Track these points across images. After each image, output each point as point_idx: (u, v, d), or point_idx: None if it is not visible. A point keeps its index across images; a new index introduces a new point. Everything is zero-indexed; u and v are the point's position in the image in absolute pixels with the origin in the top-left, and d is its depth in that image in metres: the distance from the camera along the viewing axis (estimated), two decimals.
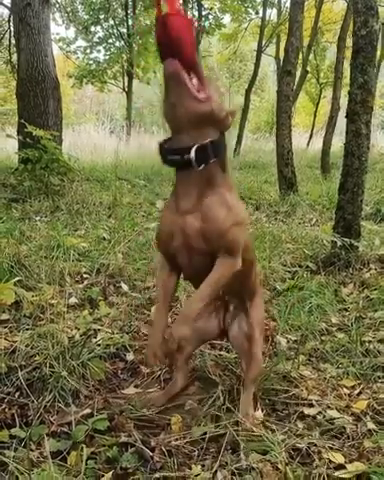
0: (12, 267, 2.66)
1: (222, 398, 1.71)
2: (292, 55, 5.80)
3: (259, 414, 1.66)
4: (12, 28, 8.79)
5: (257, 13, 15.87)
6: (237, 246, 1.49)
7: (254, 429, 1.55)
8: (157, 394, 1.82)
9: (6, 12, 11.09)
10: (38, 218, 4.53)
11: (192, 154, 1.39)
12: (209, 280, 1.47)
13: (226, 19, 35.37)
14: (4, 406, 1.65)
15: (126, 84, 17.02)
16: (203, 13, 15.85)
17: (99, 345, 2.07)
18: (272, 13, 17.19)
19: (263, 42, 13.78)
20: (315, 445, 1.50)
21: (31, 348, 1.98)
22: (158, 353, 1.51)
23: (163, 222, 1.56)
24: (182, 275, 1.64)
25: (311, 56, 15.60)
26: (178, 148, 1.43)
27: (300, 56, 11.41)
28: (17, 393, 1.73)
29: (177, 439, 1.53)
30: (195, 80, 1.37)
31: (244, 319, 1.76)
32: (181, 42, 1.31)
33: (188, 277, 1.68)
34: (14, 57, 9.28)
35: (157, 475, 1.36)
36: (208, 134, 1.43)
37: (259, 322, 1.76)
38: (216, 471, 1.36)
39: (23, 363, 1.88)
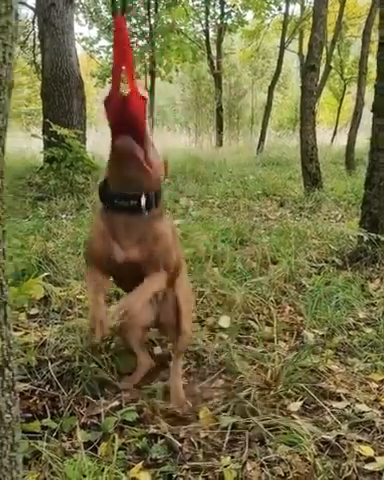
0: (40, 263, 2.70)
1: (249, 390, 1.71)
2: (316, 50, 5.74)
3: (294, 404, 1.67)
4: (36, 29, 8.90)
5: (280, 9, 15.73)
6: (171, 263, 1.65)
7: (182, 399, 1.71)
8: (128, 377, 1.88)
9: (31, 13, 11.20)
10: (64, 216, 4.58)
11: (143, 203, 1.52)
12: (147, 280, 1.58)
13: (249, 16, 35.20)
14: (35, 398, 1.68)
15: (148, 83, 17.07)
16: (225, 10, 15.79)
17: None
18: (295, 8, 17.09)
19: (286, 38, 13.66)
20: (344, 438, 1.50)
21: (60, 342, 2.01)
22: (104, 322, 1.52)
23: (96, 244, 1.62)
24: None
25: (335, 51, 15.42)
26: (132, 194, 1.52)
27: (324, 51, 11.33)
28: (47, 385, 1.76)
29: (205, 430, 1.53)
30: (142, 153, 1.46)
31: (171, 298, 1.83)
32: (138, 121, 1.41)
33: (119, 284, 1.86)
34: (38, 58, 9.37)
35: (186, 466, 1.37)
36: (152, 187, 1.56)
37: (186, 299, 1.86)
38: (245, 462, 1.37)
39: (53, 356, 1.91)
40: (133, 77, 1.38)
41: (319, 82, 11.38)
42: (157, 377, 1.89)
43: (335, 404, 1.71)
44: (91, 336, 1.57)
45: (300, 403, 1.70)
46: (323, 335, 2.22)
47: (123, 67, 1.37)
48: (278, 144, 13.32)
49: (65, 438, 1.48)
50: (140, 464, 1.37)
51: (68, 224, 4.06)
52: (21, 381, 1.76)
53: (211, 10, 16.59)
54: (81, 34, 24.07)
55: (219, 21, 16.41)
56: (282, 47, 13.27)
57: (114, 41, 1.45)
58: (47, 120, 6.18)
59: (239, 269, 2.94)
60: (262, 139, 12.77)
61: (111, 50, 16.76)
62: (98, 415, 1.59)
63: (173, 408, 1.68)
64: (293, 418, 1.60)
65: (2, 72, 0.90)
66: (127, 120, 1.39)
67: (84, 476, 1.25)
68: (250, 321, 2.34)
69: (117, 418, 1.55)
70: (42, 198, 5.43)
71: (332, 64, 14.96)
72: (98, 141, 10.80)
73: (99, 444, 1.45)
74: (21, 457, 1.04)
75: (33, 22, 9.71)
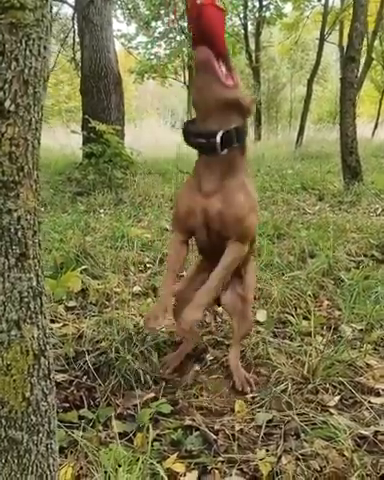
0: (78, 256, 2.74)
1: (285, 385, 1.70)
2: (356, 41, 5.63)
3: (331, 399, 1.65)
4: (76, 26, 9.00)
5: (319, 0, 15.52)
6: (250, 234, 1.63)
7: (245, 374, 1.78)
8: (171, 355, 1.93)
9: (70, 11, 11.33)
10: (102, 210, 4.63)
11: (218, 139, 1.45)
12: (219, 268, 1.57)
13: (287, 8, 34.78)
14: (72, 388, 1.70)
15: (187, 78, 17.08)
16: (264, 3, 15.64)
17: (163, 332, 2.10)
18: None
19: (326, 30, 13.45)
20: (382, 434, 1.47)
21: (97, 334, 2.04)
22: (160, 318, 1.55)
23: (183, 200, 1.62)
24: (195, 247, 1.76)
25: (376, 42, 15.11)
26: (205, 132, 1.48)
27: (365, 42, 11.10)
28: (84, 376, 1.78)
29: (240, 423, 1.53)
30: (224, 68, 1.44)
31: (238, 284, 1.85)
32: (213, 32, 1.38)
33: (201, 251, 1.80)
34: (78, 55, 9.48)
35: (221, 458, 1.37)
36: (232, 120, 1.50)
37: (252, 286, 1.90)
38: (280, 456, 1.36)
39: (90, 348, 1.94)
40: None
41: (360, 74, 11.17)
42: (192, 369, 1.89)
43: (373, 399, 1.67)
44: (146, 323, 1.59)
45: (337, 398, 1.67)
46: (361, 329, 2.18)
47: None
48: (317, 138, 13.14)
49: (101, 428, 1.49)
50: (175, 455, 1.38)
51: (106, 219, 4.11)
52: (59, 372, 1.80)
53: (249, 3, 16.49)
54: (119, 31, 24.25)
55: (258, 14, 16.28)
56: (321, 39, 13.07)
57: None
58: (86, 116, 6.26)
59: (276, 263, 2.91)
60: (301, 133, 12.62)
61: (149, 45, 16.84)
62: (134, 406, 1.61)
63: (238, 386, 1.74)
64: (330, 413, 1.58)
65: (37, 65, 0.91)
66: (203, 30, 1.37)
67: (119, 465, 1.26)
68: (287, 315, 2.32)
69: (152, 410, 1.56)
70: (81, 193, 5.51)
71: (373, 55, 14.64)
72: (137, 137, 10.91)
73: (134, 435, 1.46)
74: (57, 445, 1.05)
75: (73, 19, 9.81)
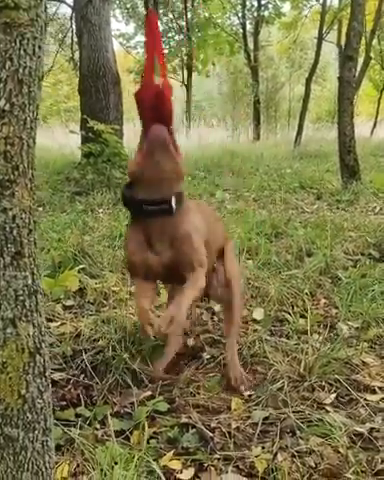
0: (76, 255, 2.75)
1: (282, 382, 1.71)
2: (354, 40, 5.64)
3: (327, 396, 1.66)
4: (74, 26, 9.01)
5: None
6: (204, 258, 1.66)
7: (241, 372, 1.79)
8: (160, 360, 1.91)
9: (68, 11, 11.35)
10: (101, 210, 4.64)
11: (173, 203, 1.54)
12: (186, 296, 1.60)
13: (286, 7, 34.77)
14: (70, 387, 1.71)
15: (185, 77, 17.08)
16: (262, 2, 15.65)
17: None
18: None
19: (324, 29, 13.45)
20: (377, 431, 1.48)
21: (95, 332, 2.04)
22: (152, 321, 1.59)
23: (133, 255, 1.65)
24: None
25: (375, 41, 15.12)
26: (159, 199, 1.55)
27: (363, 41, 11.09)
28: (82, 375, 1.79)
29: (237, 421, 1.54)
30: (172, 143, 1.51)
31: (221, 273, 1.92)
32: (169, 112, 1.47)
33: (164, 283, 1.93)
34: (77, 55, 9.49)
35: (217, 455, 1.38)
36: (178, 186, 1.60)
37: (236, 272, 1.95)
38: (276, 453, 1.36)
39: (87, 347, 1.95)
40: (165, 68, 1.46)
41: (358, 73, 11.18)
42: (188, 368, 1.90)
43: (369, 397, 1.68)
44: (143, 335, 1.71)
45: (333, 395, 1.68)
46: (358, 327, 2.19)
47: (155, 58, 1.44)
48: (316, 137, 13.14)
49: (98, 426, 1.50)
50: (171, 453, 1.38)
51: (104, 218, 4.12)
52: (56, 370, 1.80)
53: (248, 2, 16.51)
54: (118, 30, 24.23)
55: (256, 13, 16.29)
56: (320, 38, 13.07)
57: (146, 34, 1.51)
58: (84, 116, 6.26)
59: (274, 261, 2.92)
60: (299, 132, 12.62)
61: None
62: (131, 404, 1.61)
63: (233, 384, 1.76)
64: (326, 410, 1.59)
65: (32, 64, 0.92)
66: (161, 110, 1.44)
67: (115, 463, 1.27)
68: (284, 313, 2.33)
69: (149, 408, 1.57)
70: (80, 193, 5.51)
71: (372, 54, 14.65)
72: (136, 136, 10.91)
73: (131, 433, 1.47)
74: (53, 442, 1.06)
75: (71, 19, 9.83)
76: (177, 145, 1.55)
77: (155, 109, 1.45)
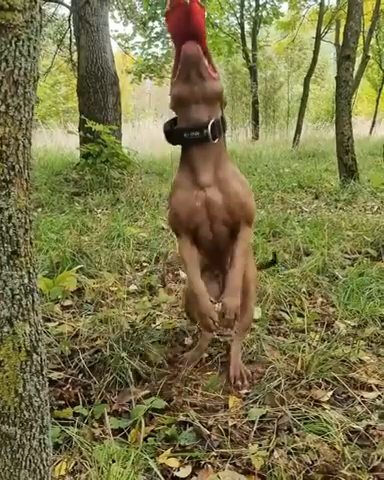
0: (74, 256, 2.76)
1: (279, 380, 1.72)
2: (351, 39, 5.64)
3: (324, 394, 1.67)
4: (72, 27, 9.01)
5: None
6: (254, 215, 1.70)
7: (243, 371, 1.80)
8: (192, 353, 1.96)
9: (67, 12, 11.35)
10: (99, 210, 4.65)
11: (209, 129, 1.53)
12: (239, 253, 1.65)
13: (284, 7, 34.80)
14: (68, 386, 1.72)
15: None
16: (260, 2, 15.64)
17: (158, 330, 2.12)
18: None
19: (322, 29, 13.46)
20: (374, 428, 1.49)
21: (93, 332, 2.05)
22: (214, 317, 1.62)
23: (180, 200, 1.64)
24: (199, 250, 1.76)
25: (373, 41, 15.12)
26: (197, 125, 1.54)
27: (361, 41, 11.10)
28: (80, 374, 1.80)
29: (234, 419, 1.55)
30: (206, 61, 1.49)
31: None
32: (201, 28, 1.43)
33: (207, 250, 1.80)
34: (75, 55, 9.49)
35: (214, 453, 1.38)
36: (217, 111, 1.58)
37: (253, 279, 1.93)
38: (273, 450, 1.37)
39: (85, 346, 1.96)
40: None
41: (356, 73, 11.19)
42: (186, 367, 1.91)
43: (366, 394, 1.69)
44: (205, 333, 1.74)
45: (330, 393, 1.69)
46: (355, 326, 2.20)
47: None
48: (315, 136, 13.16)
49: (96, 425, 1.51)
50: (169, 450, 1.39)
51: (103, 218, 4.13)
52: (55, 370, 1.81)
53: (246, 3, 16.49)
54: (116, 31, 24.23)
55: (254, 13, 16.28)
56: (318, 38, 13.08)
57: None
58: (83, 117, 6.27)
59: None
60: (298, 132, 12.63)
61: (146, 46, 16.83)
62: (128, 403, 1.62)
63: (233, 382, 1.77)
64: (323, 408, 1.60)
65: (27, 65, 0.92)
66: (192, 28, 1.42)
67: (113, 461, 1.28)
68: (282, 312, 2.34)
69: (147, 406, 1.57)
70: (78, 193, 5.52)
71: (370, 54, 14.66)
72: (134, 136, 10.92)
73: (129, 431, 1.48)
74: (50, 440, 1.07)
75: (69, 20, 9.82)
76: (213, 63, 1.52)
77: (186, 26, 1.42)
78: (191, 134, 1.56)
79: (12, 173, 0.92)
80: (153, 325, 2.17)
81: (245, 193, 1.63)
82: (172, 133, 1.61)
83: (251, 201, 1.67)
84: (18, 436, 0.99)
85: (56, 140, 10.64)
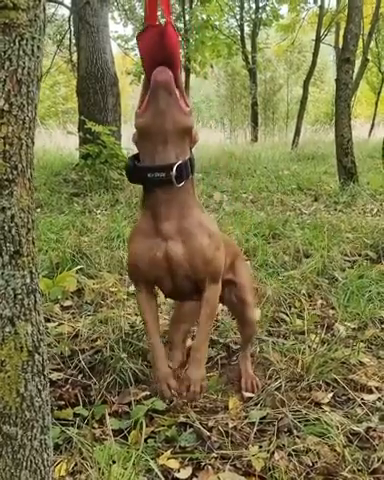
0: (74, 256, 2.76)
1: (279, 382, 1.72)
2: (351, 42, 5.66)
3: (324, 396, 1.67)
4: (72, 28, 9.02)
5: (315, 2, 15.57)
6: (220, 271, 1.58)
7: (256, 380, 1.74)
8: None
9: (67, 13, 11.36)
10: (98, 211, 4.65)
11: (174, 172, 1.40)
12: (203, 319, 1.59)
13: (284, 10, 34.87)
14: (68, 387, 1.71)
15: (183, 79, 17.09)
16: (260, 4, 15.67)
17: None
18: (331, 1, 16.85)
19: (322, 31, 13.48)
20: (374, 430, 1.49)
21: (93, 333, 2.05)
22: (172, 384, 1.62)
23: (138, 248, 1.53)
24: (162, 293, 1.73)
25: (372, 44, 15.16)
26: (161, 165, 1.41)
27: (360, 44, 11.12)
28: (80, 375, 1.80)
29: (234, 420, 1.54)
30: (178, 92, 1.38)
31: (234, 287, 1.82)
32: (175, 53, 1.34)
33: (170, 296, 1.78)
34: (75, 56, 9.50)
35: (214, 454, 1.38)
36: (186, 150, 1.45)
37: (248, 287, 1.86)
38: (273, 452, 1.37)
39: (85, 347, 1.95)
40: (169, 9, 1.34)
41: (356, 75, 11.20)
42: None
43: (366, 396, 1.69)
44: (162, 398, 1.60)
45: (330, 395, 1.69)
46: (355, 328, 2.20)
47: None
48: (314, 139, 13.18)
49: (96, 425, 1.50)
50: (169, 452, 1.39)
51: (102, 219, 4.13)
52: (54, 370, 1.81)
53: (246, 5, 16.53)
54: (116, 32, 24.27)
55: (254, 15, 16.32)
56: (317, 40, 13.11)
57: None
58: (82, 117, 6.27)
59: (271, 263, 2.93)
60: (297, 134, 12.65)
61: None
62: (129, 404, 1.62)
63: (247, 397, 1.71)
64: (323, 410, 1.60)
65: (31, 65, 0.92)
66: (164, 51, 1.32)
67: (113, 462, 1.28)
68: (281, 314, 2.34)
69: (147, 407, 1.57)
70: (78, 194, 5.52)
71: (369, 57, 14.69)
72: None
73: (129, 432, 1.48)
74: (51, 440, 1.06)
75: (69, 21, 9.83)
76: (185, 95, 1.40)
77: (158, 50, 1.31)
78: (155, 175, 1.41)
79: (15, 172, 0.92)
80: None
81: (211, 248, 1.49)
82: (134, 170, 1.47)
83: (219, 257, 1.54)
84: (19, 436, 0.99)
85: (55, 141, 10.64)
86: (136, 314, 2.26)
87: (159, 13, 1.38)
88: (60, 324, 2.16)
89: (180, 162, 1.41)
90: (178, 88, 1.38)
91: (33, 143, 0.97)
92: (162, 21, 1.35)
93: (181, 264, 1.49)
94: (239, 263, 1.87)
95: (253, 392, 1.73)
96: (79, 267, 2.63)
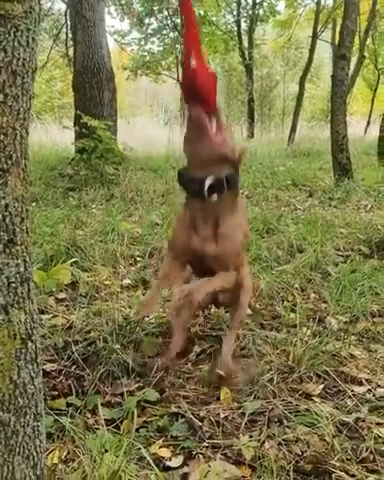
0: (68, 249, 2.77)
1: (271, 374, 1.73)
2: (347, 38, 5.67)
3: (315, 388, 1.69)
4: (69, 22, 8.99)
5: None
6: (241, 265, 1.81)
7: (230, 366, 1.77)
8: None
9: (63, 7, 11.32)
10: (94, 206, 4.65)
11: (206, 185, 1.58)
12: (212, 281, 1.71)
13: (281, 6, 34.84)
14: (61, 377, 1.73)
15: (180, 75, 17.04)
16: (257, 0, 15.64)
17: (151, 323, 2.14)
18: None
19: (318, 28, 13.48)
20: (363, 420, 1.51)
21: (86, 325, 2.06)
22: (152, 306, 1.80)
23: (179, 236, 1.75)
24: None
25: (369, 41, 15.17)
26: (196, 178, 1.61)
27: (357, 41, 11.13)
28: (73, 366, 1.81)
29: (225, 411, 1.56)
30: (215, 124, 1.57)
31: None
32: (205, 93, 1.52)
33: (196, 274, 1.92)
34: (71, 51, 9.47)
35: (206, 443, 1.40)
36: (222, 169, 1.62)
37: (249, 288, 1.96)
38: (263, 441, 1.39)
39: (79, 338, 1.96)
40: (200, 55, 1.51)
41: (352, 72, 11.22)
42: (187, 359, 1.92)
43: (356, 388, 1.71)
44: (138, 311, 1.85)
45: (321, 386, 1.71)
46: (346, 321, 2.22)
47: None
48: (310, 135, 13.17)
49: (89, 415, 1.52)
50: (160, 441, 1.41)
51: (97, 213, 4.13)
52: (48, 361, 1.82)
53: (243, 0, 16.48)
54: (113, 27, 24.17)
55: (251, 11, 16.28)
56: (314, 37, 13.11)
57: (184, 24, 1.61)
58: (78, 112, 6.26)
59: (265, 257, 2.95)
60: (293, 130, 12.67)
61: (143, 42, 16.80)
62: (121, 394, 1.63)
63: (220, 373, 1.74)
64: (313, 401, 1.62)
65: (26, 56, 0.93)
66: (195, 91, 1.50)
67: (106, 450, 1.29)
68: (274, 307, 2.36)
69: (139, 397, 1.59)
70: (73, 188, 5.52)
71: (366, 54, 14.70)
72: (129, 133, 10.90)
73: (121, 422, 1.49)
74: (44, 427, 1.08)
75: (65, 15, 9.79)
76: (222, 127, 1.58)
77: (190, 92, 1.52)
78: (190, 185, 1.66)
79: (9, 162, 0.93)
80: (146, 318, 2.18)
81: (239, 244, 1.72)
82: (179, 175, 1.69)
83: (243, 255, 1.81)
84: (12, 423, 1.00)
85: (51, 135, 10.61)
86: (129, 306, 2.28)
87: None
88: (54, 316, 2.17)
89: (211, 180, 1.58)
90: (216, 120, 1.57)
91: (27, 133, 0.98)
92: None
93: (211, 258, 1.68)
94: (245, 264, 1.99)
95: (229, 381, 1.75)
96: (73, 260, 2.64)
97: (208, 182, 1.58)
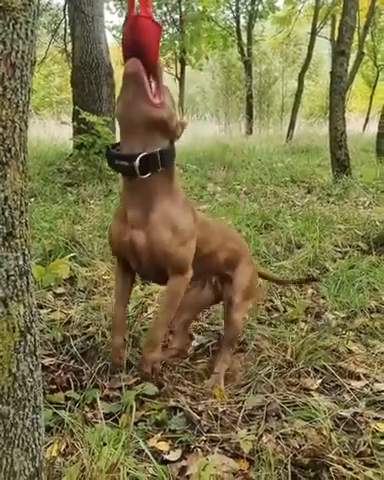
0: (67, 244, 2.77)
1: (269, 369, 1.74)
2: (346, 35, 5.66)
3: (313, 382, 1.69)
4: (67, 17, 8.96)
5: None
6: (184, 265, 1.55)
7: (221, 384, 1.69)
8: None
9: (62, 2, 11.28)
10: (92, 201, 4.65)
11: (137, 162, 1.38)
12: (163, 305, 1.60)
13: (280, 2, 34.75)
14: (60, 372, 1.72)
15: (179, 71, 17.03)
16: None
17: (150, 318, 2.14)
18: None
19: (317, 24, 13.46)
20: (361, 415, 1.51)
21: (85, 319, 2.07)
22: (122, 355, 1.68)
23: (113, 230, 1.59)
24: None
25: (368, 37, 15.15)
26: (126, 154, 1.41)
27: (356, 37, 11.12)
28: (72, 360, 1.81)
29: (223, 405, 1.57)
30: (153, 84, 1.38)
31: (229, 284, 1.84)
32: (146, 44, 1.31)
33: (141, 276, 1.83)
34: (69, 46, 9.44)
35: (204, 437, 1.41)
36: (157, 142, 1.43)
37: (243, 288, 1.83)
38: (261, 435, 1.39)
39: (77, 333, 1.97)
40: (148, 5, 1.31)
41: (351, 68, 11.20)
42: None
43: (354, 383, 1.72)
44: (112, 364, 1.71)
45: (319, 381, 1.72)
46: (344, 317, 2.23)
47: None
48: (308, 132, 13.17)
49: (87, 409, 1.52)
50: (159, 434, 1.41)
51: (96, 209, 4.13)
52: (47, 356, 1.82)
53: None
54: (111, 22, 24.09)
55: (250, 7, 16.25)
56: (313, 33, 13.08)
57: None
58: (76, 107, 6.25)
59: (263, 253, 2.96)
60: (292, 127, 12.66)
61: None
62: (120, 389, 1.64)
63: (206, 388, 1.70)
64: (311, 395, 1.62)
65: (25, 48, 0.93)
66: (134, 42, 1.31)
67: (104, 443, 1.29)
68: (272, 303, 2.36)
69: (138, 391, 1.59)
70: (71, 184, 5.51)
71: (365, 50, 14.68)
72: None
73: (120, 416, 1.49)
74: (43, 420, 1.08)
75: (64, 10, 9.76)
76: (161, 87, 1.40)
77: (131, 42, 1.31)
78: (120, 162, 1.43)
79: (8, 155, 0.93)
80: (145, 313, 2.18)
81: (174, 243, 1.48)
82: (107, 156, 1.49)
83: (183, 252, 1.51)
84: (11, 415, 1.00)
85: (49, 131, 10.59)
86: (128, 302, 2.27)
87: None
88: (53, 310, 2.17)
89: (145, 153, 1.40)
90: (155, 80, 1.38)
91: (27, 126, 0.98)
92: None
93: (143, 252, 1.51)
94: (242, 263, 1.86)
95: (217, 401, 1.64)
96: (72, 255, 2.65)
97: (137, 159, 1.38)
